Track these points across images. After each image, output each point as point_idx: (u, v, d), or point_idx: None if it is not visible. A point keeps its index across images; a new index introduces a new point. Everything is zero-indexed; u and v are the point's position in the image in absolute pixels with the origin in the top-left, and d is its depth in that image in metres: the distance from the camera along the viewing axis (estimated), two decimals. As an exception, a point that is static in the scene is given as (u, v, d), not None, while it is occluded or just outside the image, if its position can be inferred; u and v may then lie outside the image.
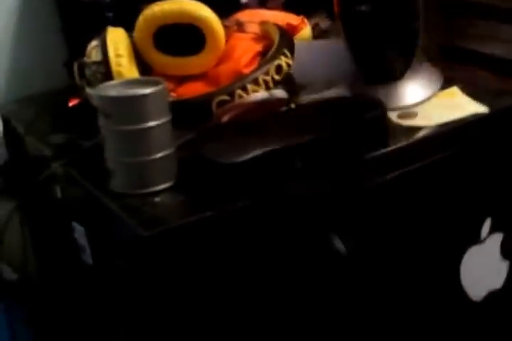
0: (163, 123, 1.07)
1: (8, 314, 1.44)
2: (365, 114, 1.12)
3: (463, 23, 3.47)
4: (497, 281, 1.33)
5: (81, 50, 1.44)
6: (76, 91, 1.33)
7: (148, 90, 1.05)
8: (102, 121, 1.07)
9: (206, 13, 1.30)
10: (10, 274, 1.51)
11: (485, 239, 1.28)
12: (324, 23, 2.41)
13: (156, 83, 1.08)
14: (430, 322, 1.26)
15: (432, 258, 1.23)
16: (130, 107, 1.05)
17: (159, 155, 1.07)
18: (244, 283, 1.08)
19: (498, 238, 1.30)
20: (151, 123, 1.06)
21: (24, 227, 1.46)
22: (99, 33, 1.29)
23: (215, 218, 1.03)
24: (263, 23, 1.38)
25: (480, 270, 1.29)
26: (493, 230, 1.29)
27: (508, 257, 1.32)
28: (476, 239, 1.27)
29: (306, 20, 1.52)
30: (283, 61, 1.25)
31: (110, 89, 1.09)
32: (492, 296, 1.32)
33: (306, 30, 1.49)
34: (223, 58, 1.33)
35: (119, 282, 1.14)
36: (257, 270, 1.09)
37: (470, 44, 3.25)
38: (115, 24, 1.35)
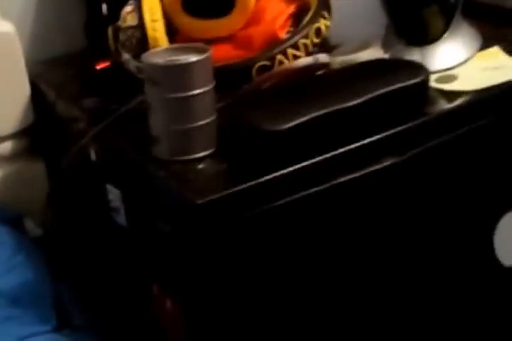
0: (209, 90, 1.05)
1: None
2: (409, 80, 1.08)
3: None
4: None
5: (99, 12, 1.39)
6: (99, 53, 1.30)
7: (196, 58, 1.02)
8: (149, 89, 1.04)
9: (236, -28, 1.25)
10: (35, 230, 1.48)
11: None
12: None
13: (200, 50, 1.05)
14: (463, 287, 1.25)
15: (468, 222, 1.21)
16: (179, 75, 1.02)
17: (203, 122, 1.05)
18: (284, 255, 1.07)
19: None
20: (198, 90, 1.03)
21: (51, 186, 1.43)
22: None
23: (261, 187, 1.01)
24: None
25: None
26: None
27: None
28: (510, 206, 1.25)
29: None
30: (322, 24, 1.21)
31: (156, 57, 1.05)
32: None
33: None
34: (253, 20, 1.28)
35: (158, 244, 1.12)
36: (301, 241, 1.07)
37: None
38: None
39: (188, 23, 1.29)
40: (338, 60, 1.22)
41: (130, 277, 1.27)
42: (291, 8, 1.28)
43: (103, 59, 1.29)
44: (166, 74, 1.02)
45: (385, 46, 1.24)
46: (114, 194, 1.19)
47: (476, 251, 1.25)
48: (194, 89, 1.02)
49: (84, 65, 1.32)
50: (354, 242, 1.11)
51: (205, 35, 1.29)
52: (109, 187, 1.20)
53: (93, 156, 1.24)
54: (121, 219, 1.20)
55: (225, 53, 1.25)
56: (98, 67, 1.30)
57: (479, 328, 1.29)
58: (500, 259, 1.27)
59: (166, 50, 1.08)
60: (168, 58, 1.03)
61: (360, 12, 1.30)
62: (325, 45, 1.25)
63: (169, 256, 1.10)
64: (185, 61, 1.02)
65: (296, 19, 1.26)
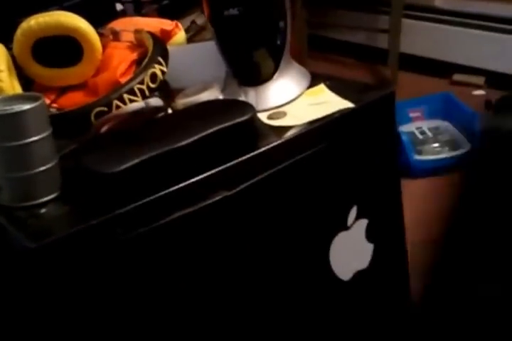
0: (45, 137, 1.01)
1: None
2: (235, 118, 1.08)
3: (324, 13, 3.53)
4: (363, 262, 1.33)
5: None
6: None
7: (26, 106, 0.99)
8: (-16, 139, 1.00)
9: (81, 24, 1.25)
10: None
11: (352, 225, 1.27)
12: (200, 19, 2.35)
13: (35, 98, 1.02)
14: (304, 302, 1.25)
15: (304, 244, 1.21)
16: (10, 124, 0.99)
17: (43, 168, 1.02)
18: (130, 290, 1.04)
19: (363, 223, 1.29)
20: (33, 138, 1.00)
21: None
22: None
23: (97, 227, 0.98)
24: (137, 32, 1.32)
25: (348, 253, 1.28)
26: (358, 217, 1.28)
27: (372, 240, 1.32)
28: (343, 226, 1.26)
29: (179, 25, 1.47)
30: (157, 69, 1.20)
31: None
32: (359, 275, 1.32)
33: (180, 35, 1.44)
34: (101, 68, 1.29)
35: (14, 288, 1.07)
36: (142, 278, 1.04)
37: (335, 33, 3.28)
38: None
39: (40, 72, 1.27)
40: (180, 103, 1.23)
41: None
42: (134, 56, 1.27)
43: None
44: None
45: (225, 87, 1.25)
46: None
47: (314, 268, 1.25)
48: (28, 137, 0.99)
49: None
50: (198, 273, 1.09)
51: (57, 84, 1.29)
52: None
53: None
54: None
55: (76, 100, 1.24)
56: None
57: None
58: (337, 275, 1.27)
59: (1, 99, 1.04)
60: (1, 108, 1.00)
61: (203, 57, 1.30)
62: (167, 91, 1.25)
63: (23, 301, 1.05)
64: (15, 110, 0.98)
65: (139, 66, 1.25)
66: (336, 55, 3.33)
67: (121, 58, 1.27)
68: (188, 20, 2.61)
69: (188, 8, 2.31)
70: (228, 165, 1.06)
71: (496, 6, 2.95)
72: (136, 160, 1.02)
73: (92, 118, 1.13)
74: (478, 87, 2.95)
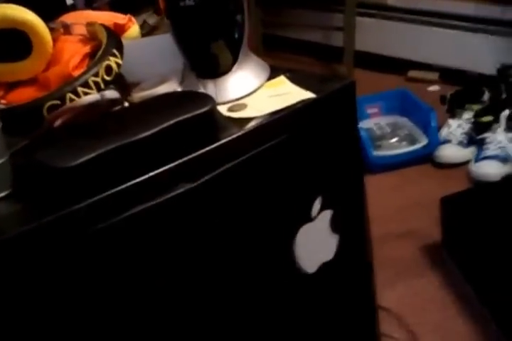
0: (-7, 133, 0.96)
1: None
2: (195, 110, 1.04)
3: (278, 12, 3.52)
4: (328, 254, 1.30)
5: None
6: None
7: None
8: None
9: (30, 17, 1.20)
10: None
11: (316, 216, 1.24)
12: (152, 19, 2.31)
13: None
14: (269, 295, 1.21)
15: (269, 236, 1.18)
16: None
17: (-8, 164, 0.97)
18: (89, 288, 0.99)
19: (327, 215, 1.26)
20: (-19, 134, 0.95)
21: None
22: None
23: (52, 224, 0.93)
24: (90, 24, 1.28)
25: (312, 244, 1.25)
26: (323, 208, 1.25)
27: (337, 231, 1.29)
28: (308, 217, 1.23)
29: (133, 19, 1.43)
30: (112, 61, 1.15)
31: None
32: (324, 267, 1.29)
33: (134, 29, 1.40)
34: (52, 62, 1.23)
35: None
36: (101, 276, 1.00)
37: (290, 32, 3.29)
38: None
39: (-14, 67, 1.21)
40: (138, 96, 1.19)
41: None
42: (87, 49, 1.23)
43: None
44: None
45: (183, 80, 1.21)
46: None
47: (279, 261, 1.21)
48: (-25, 132, 0.94)
49: None
50: (161, 267, 1.05)
51: (6, 79, 1.23)
52: None
53: None
54: None
55: (27, 96, 1.18)
56: None
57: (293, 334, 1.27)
58: (303, 267, 1.25)
59: None
60: None
61: (159, 50, 1.26)
62: (123, 84, 1.20)
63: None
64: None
65: (93, 59, 1.20)
66: (291, 54, 3.32)
67: (74, 51, 1.22)
68: (139, 20, 2.57)
69: (140, 6, 2.25)
70: (189, 157, 1.03)
71: (446, 3, 2.96)
72: (93, 154, 0.97)
73: (45, 112, 1.08)
74: (432, 82, 2.96)
